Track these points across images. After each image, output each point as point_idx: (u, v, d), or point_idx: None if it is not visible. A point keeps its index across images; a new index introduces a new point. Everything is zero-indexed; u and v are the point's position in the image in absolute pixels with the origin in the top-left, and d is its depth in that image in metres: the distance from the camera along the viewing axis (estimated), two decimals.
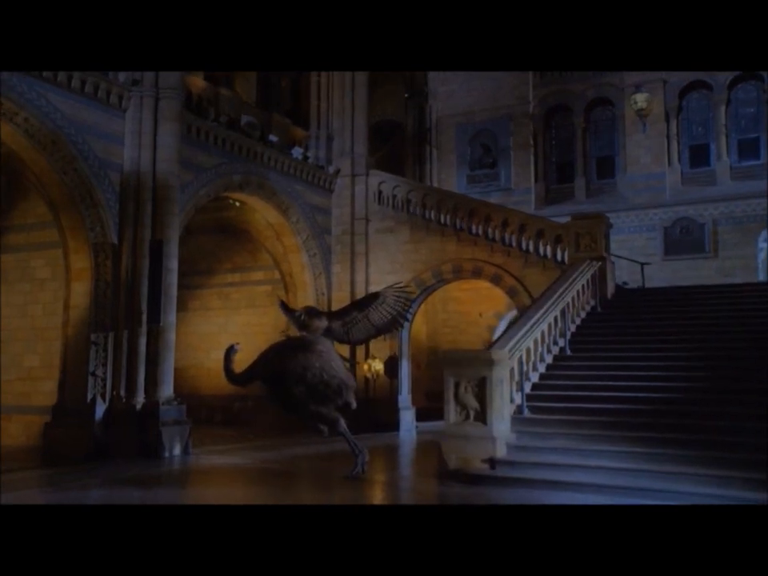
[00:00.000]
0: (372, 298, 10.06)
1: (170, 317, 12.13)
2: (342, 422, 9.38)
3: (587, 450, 8.90)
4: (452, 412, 9.41)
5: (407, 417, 16.95)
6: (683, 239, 20.14)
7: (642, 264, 17.17)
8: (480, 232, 16.38)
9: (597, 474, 8.29)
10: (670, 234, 20.28)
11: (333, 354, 9.48)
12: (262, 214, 16.75)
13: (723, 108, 20.24)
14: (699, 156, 20.78)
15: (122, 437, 11.44)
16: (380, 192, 17.65)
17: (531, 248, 15.84)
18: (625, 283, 16.87)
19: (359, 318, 10.09)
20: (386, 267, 17.36)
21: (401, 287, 10.25)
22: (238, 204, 16.78)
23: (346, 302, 16.76)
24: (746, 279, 18.06)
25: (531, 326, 11.01)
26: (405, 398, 17.12)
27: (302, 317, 10.18)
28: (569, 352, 11.98)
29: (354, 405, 9.67)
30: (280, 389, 9.27)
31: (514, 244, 16.03)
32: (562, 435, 9.43)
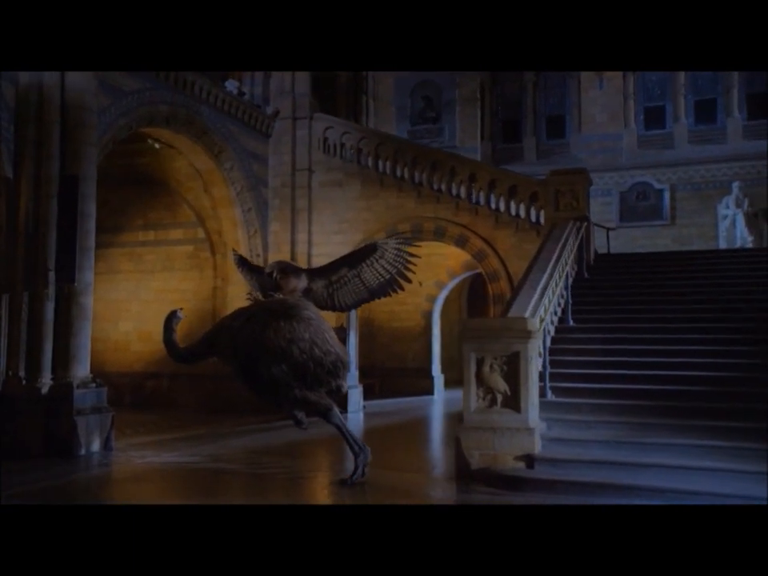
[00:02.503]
0: (368, 251, 7.87)
1: (87, 275, 9.46)
2: (337, 411, 7.22)
3: (644, 443, 7.15)
4: (473, 396, 7.44)
5: (355, 396, 14.88)
6: (639, 205, 18.99)
7: (608, 229, 15.80)
8: (443, 188, 14.39)
9: (672, 476, 6.52)
10: (626, 200, 19.09)
11: (324, 323, 7.26)
12: (188, 158, 14.06)
13: None
14: (655, 118, 19.62)
15: (24, 430, 8.78)
16: (326, 139, 15.28)
17: (503, 206, 14.03)
18: None
19: (349, 278, 7.90)
20: (333, 226, 15.11)
21: (403, 239, 8.10)
22: (157, 146, 14.01)
23: None
24: (704, 249, 17.11)
25: (542, 292, 9.20)
26: (353, 374, 15.00)
27: (275, 274, 7.89)
28: (571, 323, 10.27)
29: (345, 388, 7.53)
30: (253, 367, 6.98)
31: (482, 202, 14.15)
32: (604, 424, 7.66)
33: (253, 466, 8.28)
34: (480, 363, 7.40)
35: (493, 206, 14.08)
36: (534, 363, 7.54)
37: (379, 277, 7.91)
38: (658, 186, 18.81)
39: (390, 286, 7.99)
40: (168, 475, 7.90)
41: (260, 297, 7.85)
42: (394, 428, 12.29)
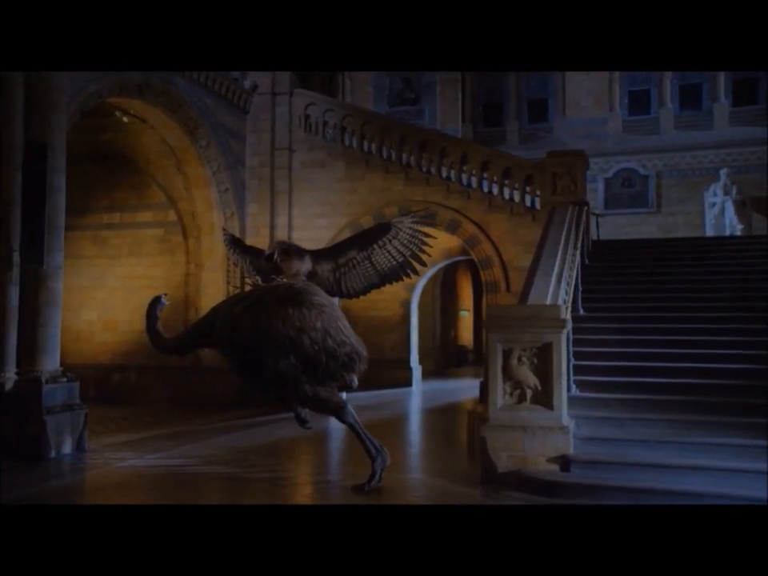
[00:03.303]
0: (380, 231, 7.09)
1: (57, 257, 8.49)
2: (351, 409, 6.44)
3: (689, 442, 6.52)
4: (499, 392, 6.74)
5: None
6: (624, 192, 18.56)
7: (598, 216, 15.30)
8: (433, 169, 13.65)
9: (728, 480, 5.88)
10: (611, 186, 18.65)
11: (337, 310, 6.46)
12: (161, 134, 13.03)
13: None
14: (639, 102, 19.20)
15: None
16: (307, 116, 14.39)
17: (496, 190, 13.36)
18: None
19: (358, 260, 7.12)
20: (315, 209, 14.25)
21: (419, 217, 7.31)
22: (126, 119, 12.95)
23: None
24: (695, 236, 16.74)
25: (558, 279, 8.56)
26: None
27: (276, 256, 7.05)
28: (581, 311, 9.67)
29: (356, 383, 6.74)
30: (256, 360, 6.15)
31: (474, 185, 13.47)
32: (638, 421, 7.03)
33: (247, 469, 7.43)
34: (507, 355, 6.70)
35: (485, 189, 13.41)
36: (565, 355, 6.87)
37: (391, 260, 7.16)
38: (643, 172, 18.41)
39: (402, 270, 7.24)
40: (155, 481, 7.00)
41: (259, 281, 7.01)
42: (387, 424, 11.53)
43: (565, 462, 6.42)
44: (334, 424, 10.20)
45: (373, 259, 7.10)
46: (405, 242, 7.11)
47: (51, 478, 7.20)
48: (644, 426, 6.89)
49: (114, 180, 14.96)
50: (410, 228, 7.09)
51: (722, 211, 16.76)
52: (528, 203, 13.13)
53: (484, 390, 13.23)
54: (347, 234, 13.84)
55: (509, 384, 6.70)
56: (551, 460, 6.47)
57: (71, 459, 7.96)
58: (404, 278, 7.31)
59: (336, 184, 14.11)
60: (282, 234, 14.19)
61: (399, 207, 13.75)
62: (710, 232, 17.11)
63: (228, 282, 14.10)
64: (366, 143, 14.05)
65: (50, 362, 8.33)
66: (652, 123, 18.85)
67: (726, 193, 16.91)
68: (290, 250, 7.10)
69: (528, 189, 13.12)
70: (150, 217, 15.06)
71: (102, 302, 15.34)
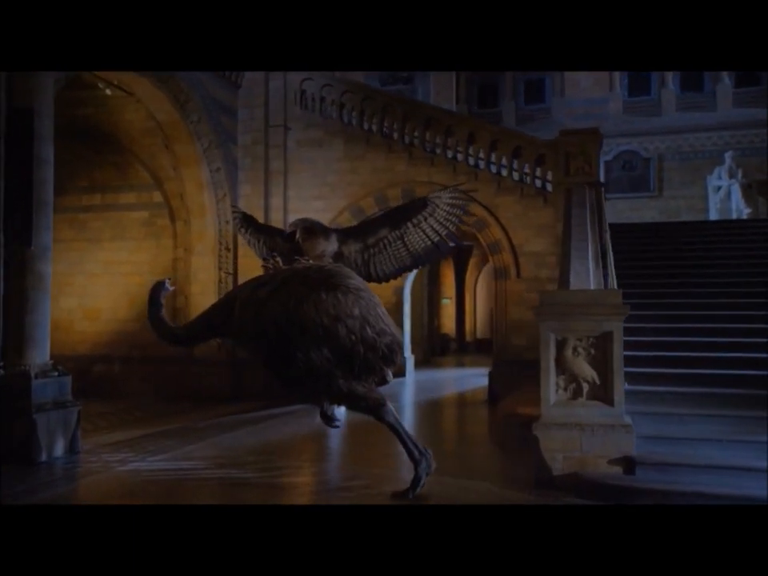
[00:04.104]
0: (416, 207, 6.38)
1: (45, 236, 7.58)
2: (391, 407, 5.72)
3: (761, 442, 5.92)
4: (552, 386, 6.07)
5: None
6: (625, 175, 18.02)
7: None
8: (439, 149, 12.93)
9: None
10: (612, 169, 18.10)
11: (375, 295, 5.71)
12: (148, 108, 12.10)
13: None
14: (640, 83, 18.66)
15: None
16: (303, 92, 13.54)
17: (505, 171, 12.68)
18: None
19: (390, 240, 6.41)
20: (312, 190, 13.44)
21: (458, 191, 6.58)
22: (109, 92, 12.01)
23: None
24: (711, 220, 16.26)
25: (596, 262, 7.94)
26: None
27: (297, 235, 6.29)
28: None
29: (391, 378, 6.00)
30: (282, 351, 5.39)
31: (482, 165, 12.78)
32: (701, 417, 6.39)
33: (267, 473, 6.66)
34: (561, 346, 6.03)
35: (494, 169, 12.72)
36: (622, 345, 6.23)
37: (425, 239, 6.45)
38: (644, 154, 17.89)
39: (437, 251, 6.54)
40: (170, 489, 6.18)
41: (280, 263, 6.22)
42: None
43: (629, 464, 5.78)
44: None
45: (406, 239, 6.40)
46: (441, 219, 6.41)
47: (45, 486, 6.34)
48: (709, 423, 6.27)
49: (95, 159, 14.00)
50: (449, 204, 6.39)
51: (728, 195, 16.29)
52: (539, 185, 12.48)
53: (492, 382, 12.65)
54: (346, 216, 13.11)
55: (562, 378, 6.04)
56: (613, 462, 5.83)
57: (64, 462, 7.12)
58: (434, 260, 6.63)
59: (334, 164, 13.32)
60: (276, 217, 13.36)
61: (402, 189, 13.04)
62: (714, 216, 16.66)
63: (220, 268, 13.29)
64: (366, 121, 13.27)
65: (40, 354, 7.48)
66: (653, 104, 18.33)
67: (732, 176, 16.44)
68: (314, 229, 6.36)
69: (539, 170, 12.47)
70: (134, 198, 14.14)
71: (82, 289, 14.40)
